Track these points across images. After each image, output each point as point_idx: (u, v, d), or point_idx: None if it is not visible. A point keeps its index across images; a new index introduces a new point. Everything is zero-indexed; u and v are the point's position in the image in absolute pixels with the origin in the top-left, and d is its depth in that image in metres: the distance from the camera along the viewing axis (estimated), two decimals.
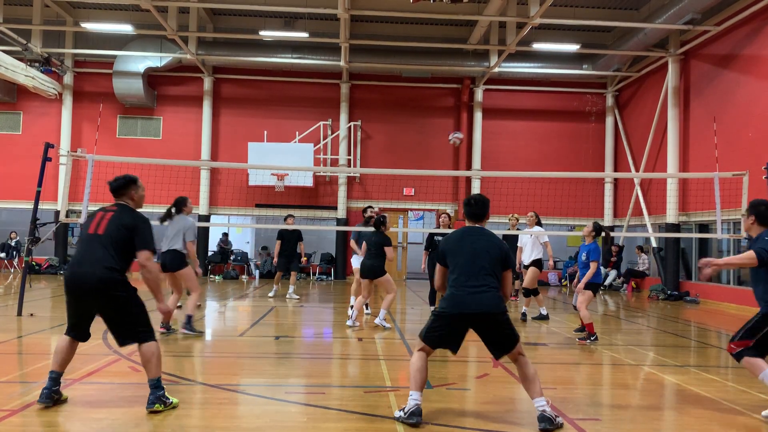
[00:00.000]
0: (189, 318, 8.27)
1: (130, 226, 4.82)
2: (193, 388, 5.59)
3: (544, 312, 10.84)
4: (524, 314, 10.73)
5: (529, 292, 10.73)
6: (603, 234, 8.98)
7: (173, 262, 8.29)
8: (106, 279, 4.66)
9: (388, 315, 10.00)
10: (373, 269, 9.22)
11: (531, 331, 9.87)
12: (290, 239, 13.49)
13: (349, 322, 9.45)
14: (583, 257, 8.68)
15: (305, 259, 13.85)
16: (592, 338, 8.53)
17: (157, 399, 4.71)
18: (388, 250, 9.19)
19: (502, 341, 4.74)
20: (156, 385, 4.75)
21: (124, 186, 5.05)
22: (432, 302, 10.93)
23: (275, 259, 13.68)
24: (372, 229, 9.61)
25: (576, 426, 4.67)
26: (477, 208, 5.00)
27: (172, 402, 4.82)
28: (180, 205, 8.62)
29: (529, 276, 10.72)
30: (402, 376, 6.36)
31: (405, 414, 4.58)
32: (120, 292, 4.70)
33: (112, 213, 4.91)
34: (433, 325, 4.79)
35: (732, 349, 5.27)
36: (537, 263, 10.75)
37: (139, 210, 5.10)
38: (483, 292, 4.65)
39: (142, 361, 4.80)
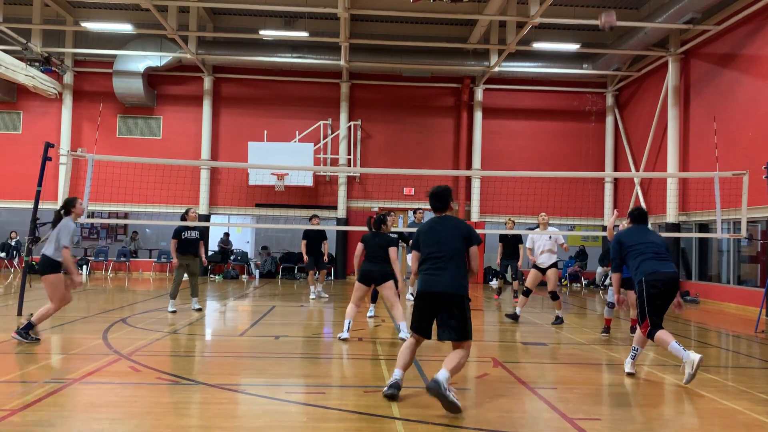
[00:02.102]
0: (29, 325, 7.36)
1: None
2: (193, 388, 5.59)
3: (560, 314, 10.62)
4: (516, 315, 10.66)
5: (529, 292, 10.69)
6: None
7: (41, 266, 7.46)
8: None
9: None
10: (372, 273, 8.21)
11: (532, 330, 9.87)
12: (315, 239, 13.74)
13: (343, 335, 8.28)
14: None
15: (326, 258, 14.16)
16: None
17: None
18: (391, 251, 8.19)
19: (452, 326, 5.13)
20: None
21: None
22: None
23: (305, 258, 13.86)
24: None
25: (576, 426, 4.66)
26: (436, 201, 5.54)
27: None
28: (67, 206, 7.73)
29: (554, 278, 10.51)
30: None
31: (386, 386, 5.26)
32: None
33: None
34: (413, 310, 5.37)
35: (643, 332, 6.29)
36: (555, 265, 10.60)
37: None
38: (446, 275, 5.19)
39: None
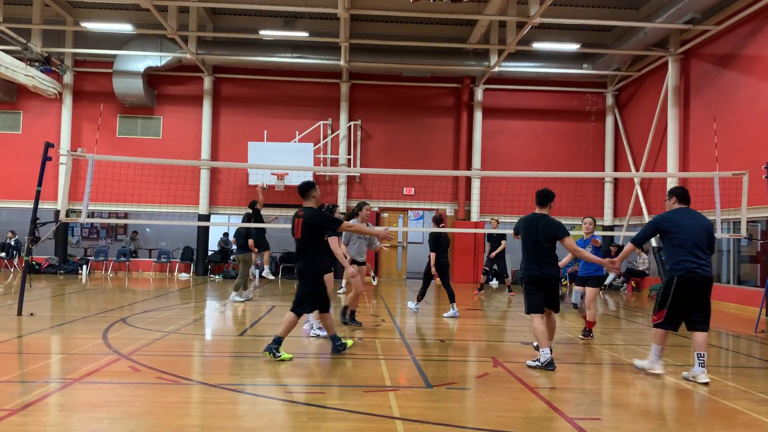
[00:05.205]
0: (353, 312, 9.67)
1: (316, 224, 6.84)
2: (193, 388, 5.59)
3: None
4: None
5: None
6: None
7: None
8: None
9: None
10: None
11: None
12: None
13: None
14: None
15: None
16: (590, 335, 8.98)
17: (271, 349, 6.69)
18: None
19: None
20: (276, 341, 6.73)
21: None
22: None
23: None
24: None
25: (576, 426, 4.67)
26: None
27: (281, 356, 6.68)
28: (355, 209, 9.78)
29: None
30: (402, 375, 6.36)
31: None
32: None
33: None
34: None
35: (654, 320, 6.62)
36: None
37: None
38: None
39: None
